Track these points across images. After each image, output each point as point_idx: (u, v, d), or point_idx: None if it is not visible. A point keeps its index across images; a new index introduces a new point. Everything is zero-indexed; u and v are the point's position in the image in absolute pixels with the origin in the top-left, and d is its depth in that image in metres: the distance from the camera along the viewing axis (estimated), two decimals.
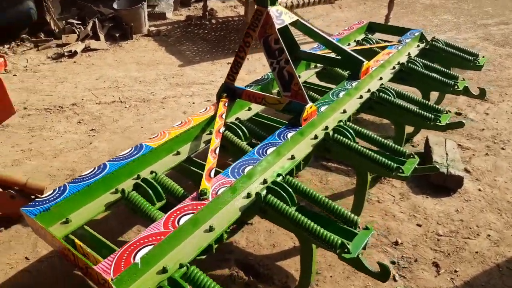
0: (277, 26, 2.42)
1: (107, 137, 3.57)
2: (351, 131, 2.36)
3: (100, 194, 1.87)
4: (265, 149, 2.06)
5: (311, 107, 2.30)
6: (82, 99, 4.17)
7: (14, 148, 3.44)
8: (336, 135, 2.28)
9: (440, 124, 2.58)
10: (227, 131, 2.34)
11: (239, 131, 2.35)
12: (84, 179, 1.87)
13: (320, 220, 1.81)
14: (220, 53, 5.23)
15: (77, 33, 5.29)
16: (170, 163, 2.15)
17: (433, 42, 3.61)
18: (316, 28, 2.94)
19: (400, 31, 3.85)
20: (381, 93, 2.75)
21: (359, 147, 2.23)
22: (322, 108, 2.45)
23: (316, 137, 2.31)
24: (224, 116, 2.36)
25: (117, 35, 5.40)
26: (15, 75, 4.64)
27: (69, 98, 4.19)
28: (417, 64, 3.21)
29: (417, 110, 2.65)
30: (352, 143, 2.25)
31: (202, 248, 1.62)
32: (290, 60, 2.38)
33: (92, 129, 3.69)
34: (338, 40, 3.58)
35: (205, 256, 1.70)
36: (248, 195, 1.86)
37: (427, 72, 3.13)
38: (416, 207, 2.77)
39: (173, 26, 5.97)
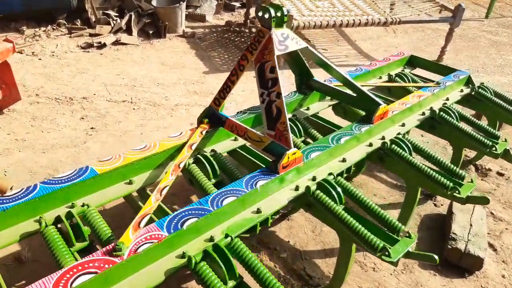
0: (277, 53, 2.06)
1: (103, 138, 3.38)
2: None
3: (17, 221, 1.61)
4: (223, 198, 1.71)
5: (294, 153, 1.92)
6: (94, 94, 4.03)
7: (10, 135, 3.34)
8: (393, 146, 2.26)
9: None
10: (193, 165, 2.01)
11: (208, 167, 2.01)
12: (5, 201, 1.62)
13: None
14: (250, 65, 4.91)
15: (112, 25, 5.22)
16: (117, 192, 1.86)
17: (479, 89, 3.06)
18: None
19: (445, 70, 3.33)
20: (393, 145, 2.30)
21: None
22: (313, 155, 2.05)
23: (297, 188, 1.93)
24: (194, 147, 2.04)
25: (150, 32, 5.26)
26: (40, 59, 4.62)
27: (82, 90, 4.08)
28: (452, 113, 2.70)
29: (437, 176, 2.17)
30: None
31: None
32: (282, 95, 2.02)
33: (92, 128, 3.52)
34: (368, 71, 3.14)
35: None
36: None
37: (460, 125, 2.62)
38: (418, 285, 2.29)
39: (211, 30, 5.74)
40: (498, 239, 2.63)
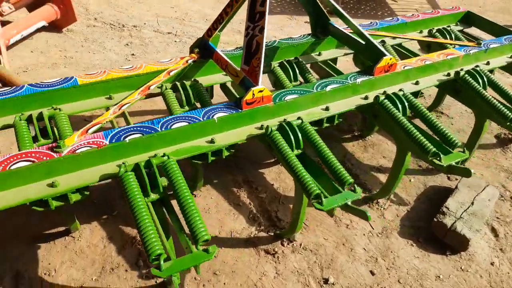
0: None
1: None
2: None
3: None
4: (174, 122, 1.77)
5: (260, 91, 1.88)
6: (145, 23, 4.23)
7: (61, 52, 3.71)
8: (385, 101, 2.12)
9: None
10: (169, 90, 2.08)
11: (182, 94, 2.07)
12: None
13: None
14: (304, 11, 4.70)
15: None
16: (94, 104, 2.02)
17: None
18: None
19: (503, 32, 2.90)
20: (386, 100, 2.12)
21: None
22: (289, 97, 1.99)
23: (262, 127, 1.91)
24: (173, 73, 2.09)
25: None
26: None
27: (135, 19, 4.30)
28: (480, 78, 2.37)
29: (422, 139, 1.98)
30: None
31: None
32: (265, 30, 1.95)
33: (133, 54, 3.74)
34: (404, 22, 2.86)
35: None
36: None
37: (484, 93, 2.30)
38: (388, 250, 2.18)
39: None
40: (506, 226, 2.35)
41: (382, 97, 2.13)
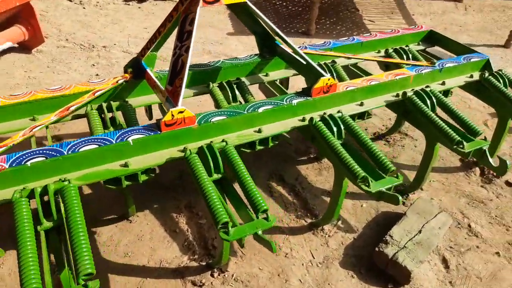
0: (201, 5, 1.93)
1: None
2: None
3: None
4: (83, 145, 1.68)
5: (180, 112, 1.79)
6: (115, 44, 4.22)
7: (26, 72, 3.68)
8: (320, 123, 2.03)
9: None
10: (94, 111, 2.01)
11: (108, 116, 2.00)
12: None
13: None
14: (280, 30, 4.66)
15: None
16: (17, 126, 1.94)
17: (489, 76, 2.52)
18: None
19: (465, 51, 2.80)
20: (319, 123, 2.02)
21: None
22: (216, 119, 1.90)
23: (184, 150, 1.81)
24: (98, 94, 2.02)
25: None
26: (84, 8, 4.95)
27: (106, 40, 4.29)
28: (427, 99, 2.27)
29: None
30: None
31: None
32: (191, 50, 1.90)
33: (97, 74, 3.71)
34: (359, 42, 2.78)
35: None
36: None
37: (430, 114, 2.20)
38: (325, 282, 2.04)
39: None
40: (459, 256, 2.20)
41: (316, 119, 2.04)
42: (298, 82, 3.12)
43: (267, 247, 1.53)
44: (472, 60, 2.63)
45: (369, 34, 2.92)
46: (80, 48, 4.13)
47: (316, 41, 4.25)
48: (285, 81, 2.78)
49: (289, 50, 2.36)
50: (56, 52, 4.03)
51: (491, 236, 2.31)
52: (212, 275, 2.02)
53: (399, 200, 1.70)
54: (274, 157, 2.82)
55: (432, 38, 3.05)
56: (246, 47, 4.31)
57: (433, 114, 2.20)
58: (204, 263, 2.08)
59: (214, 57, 4.07)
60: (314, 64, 2.16)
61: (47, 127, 1.99)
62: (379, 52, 2.87)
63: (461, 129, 2.22)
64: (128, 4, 5.07)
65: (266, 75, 2.53)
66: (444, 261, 2.17)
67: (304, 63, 2.23)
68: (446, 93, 2.56)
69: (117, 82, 2.11)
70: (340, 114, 2.10)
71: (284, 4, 5.29)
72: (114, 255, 2.10)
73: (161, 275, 2.01)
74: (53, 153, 1.63)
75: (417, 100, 2.26)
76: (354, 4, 5.29)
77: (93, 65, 3.86)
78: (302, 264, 2.12)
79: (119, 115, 2.07)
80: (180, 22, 2.02)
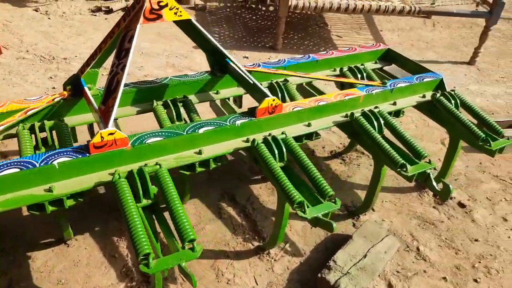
0: (144, 21, 1.88)
1: None
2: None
3: None
4: (4, 169, 1.60)
5: (111, 134, 1.72)
6: (76, 56, 4.13)
7: None
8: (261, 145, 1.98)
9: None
10: (24, 131, 1.93)
11: (38, 135, 1.92)
12: None
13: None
14: (247, 45, 4.66)
15: None
16: None
17: (440, 96, 2.52)
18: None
19: (421, 70, 2.80)
20: (261, 144, 1.97)
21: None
22: (151, 140, 1.84)
23: (114, 174, 1.74)
24: (30, 112, 1.94)
25: None
26: (49, 18, 4.86)
27: (67, 51, 4.20)
28: (374, 120, 2.25)
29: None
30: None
31: None
32: (127, 68, 1.84)
33: (54, 87, 3.61)
34: (315, 60, 2.75)
35: None
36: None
37: (376, 136, 2.17)
38: None
39: (226, 5, 5.54)
40: (405, 281, 2.16)
41: (258, 141, 1.99)
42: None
43: (189, 281, 1.46)
44: (425, 79, 2.63)
45: (325, 52, 2.90)
46: (40, 60, 4.03)
47: (283, 56, 4.23)
48: (238, 99, 2.73)
49: (237, 69, 2.32)
50: (14, 63, 3.92)
51: (439, 259, 2.29)
52: None
53: (333, 228, 1.66)
54: (228, 175, 2.76)
55: (389, 56, 3.05)
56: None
57: (378, 136, 2.17)
58: None
59: (177, 71, 4.01)
60: (259, 84, 2.12)
61: None
62: (334, 70, 2.86)
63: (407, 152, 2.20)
64: (95, 15, 4.99)
65: (217, 92, 2.47)
66: (390, 286, 2.13)
67: (251, 82, 2.19)
68: (398, 113, 2.55)
69: (53, 100, 2.03)
70: (283, 136, 2.06)
71: (254, 18, 5.29)
72: (47, 283, 2.00)
73: None
74: None
75: (364, 121, 2.24)
76: (323, 19, 5.31)
77: (51, 77, 3.76)
78: None
79: (54, 135, 1.99)
80: (120, 39, 1.96)
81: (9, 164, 1.62)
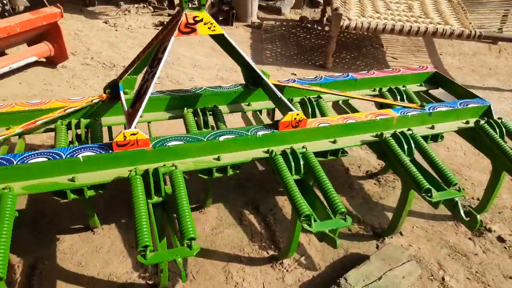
0: (178, 34, 2.01)
1: None
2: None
3: None
4: (34, 158, 1.75)
5: (133, 134, 1.82)
6: None
7: (45, 85, 3.94)
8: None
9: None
10: (62, 126, 2.10)
11: (74, 132, 2.08)
12: None
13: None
14: (297, 62, 4.69)
15: None
16: None
17: (484, 124, 2.36)
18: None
19: (466, 96, 2.65)
20: (278, 157, 1.97)
21: (405, 159, 2.06)
22: (172, 143, 1.92)
23: (135, 171, 1.83)
24: (69, 111, 2.11)
25: (220, 18, 5.45)
26: (116, 30, 5.26)
27: (128, 60, 4.50)
28: (404, 143, 2.15)
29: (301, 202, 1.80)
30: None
31: None
32: (156, 76, 1.95)
33: None
34: (354, 79, 2.71)
35: None
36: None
37: (403, 159, 2.07)
38: None
39: (282, 23, 5.63)
40: None
41: (277, 153, 1.99)
42: None
43: (179, 276, 1.49)
44: (469, 105, 2.48)
45: (366, 71, 2.85)
46: (102, 67, 4.36)
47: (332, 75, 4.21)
48: (271, 112, 2.76)
49: (269, 83, 2.35)
50: (78, 68, 4.29)
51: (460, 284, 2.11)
52: None
53: (337, 244, 1.61)
54: (256, 185, 2.77)
55: (436, 80, 2.92)
56: None
57: (406, 159, 2.07)
58: (151, 282, 2.05)
59: (224, 83, 4.14)
60: (284, 98, 2.14)
61: (20, 136, 2.12)
62: (374, 90, 2.79)
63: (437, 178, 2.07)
64: (157, 29, 5.32)
65: (249, 104, 2.52)
66: None
67: (278, 96, 2.21)
68: (436, 137, 2.42)
69: (91, 101, 2.20)
70: (303, 150, 2.04)
71: (308, 36, 5.32)
72: (68, 263, 2.14)
73: None
74: (3, 161, 1.71)
75: (393, 142, 2.15)
76: (379, 40, 5.21)
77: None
78: None
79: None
80: (155, 50, 2.08)
81: (39, 154, 1.77)
